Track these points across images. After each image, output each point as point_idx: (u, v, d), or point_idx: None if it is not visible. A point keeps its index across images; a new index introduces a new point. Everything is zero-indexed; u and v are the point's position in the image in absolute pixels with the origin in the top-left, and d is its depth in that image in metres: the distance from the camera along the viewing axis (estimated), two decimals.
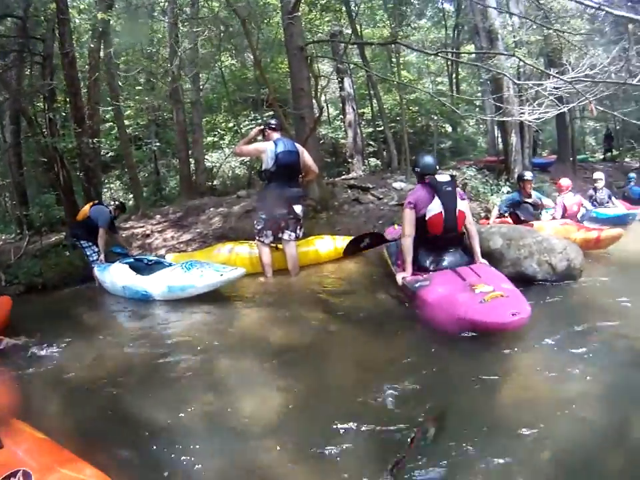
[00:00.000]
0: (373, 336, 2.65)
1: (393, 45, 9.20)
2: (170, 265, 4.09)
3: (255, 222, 4.23)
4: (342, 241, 4.62)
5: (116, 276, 4.13)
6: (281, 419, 1.83)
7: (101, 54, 6.78)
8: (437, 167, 3.42)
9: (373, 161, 12.87)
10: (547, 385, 1.97)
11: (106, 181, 12.17)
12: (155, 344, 2.80)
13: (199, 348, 2.63)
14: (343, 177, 9.89)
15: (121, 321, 3.76)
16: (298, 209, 4.16)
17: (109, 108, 6.71)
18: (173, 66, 8.72)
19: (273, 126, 4.21)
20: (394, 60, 10.45)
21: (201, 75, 11.17)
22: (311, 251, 4.50)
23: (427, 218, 3.03)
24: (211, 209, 6.75)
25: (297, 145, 4.21)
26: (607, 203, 6.71)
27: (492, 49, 8.27)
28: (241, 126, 10.96)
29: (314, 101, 6.08)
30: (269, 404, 1.96)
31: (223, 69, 12.13)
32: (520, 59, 5.17)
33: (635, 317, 2.54)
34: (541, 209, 5.29)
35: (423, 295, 2.78)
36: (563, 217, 5.36)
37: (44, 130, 6.32)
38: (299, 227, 4.20)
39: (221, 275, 3.52)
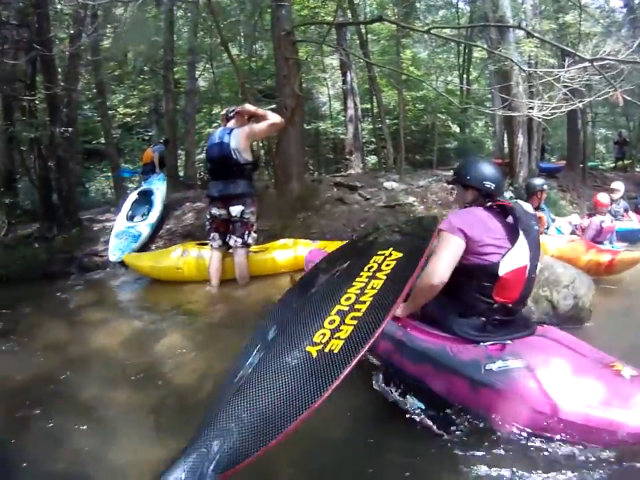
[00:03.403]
0: None
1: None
2: None
3: (205, 222, 3.91)
4: (304, 248, 4.08)
5: None
6: None
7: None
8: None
9: (374, 159, 12.45)
10: None
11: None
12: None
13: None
14: (333, 174, 9.48)
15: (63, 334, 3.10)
16: (235, 210, 3.63)
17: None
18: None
19: (231, 114, 3.78)
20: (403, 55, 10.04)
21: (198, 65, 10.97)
22: (268, 259, 4.02)
23: (500, 273, 1.72)
24: (187, 204, 6.58)
25: (238, 132, 3.57)
26: (622, 216, 6.11)
27: (502, 40, 7.62)
28: None
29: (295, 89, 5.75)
30: None
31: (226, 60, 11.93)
32: (526, 32, 4.70)
33: None
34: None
35: (521, 388, 1.53)
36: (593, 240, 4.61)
37: (24, 118, 6.20)
38: (247, 232, 3.69)
39: None
